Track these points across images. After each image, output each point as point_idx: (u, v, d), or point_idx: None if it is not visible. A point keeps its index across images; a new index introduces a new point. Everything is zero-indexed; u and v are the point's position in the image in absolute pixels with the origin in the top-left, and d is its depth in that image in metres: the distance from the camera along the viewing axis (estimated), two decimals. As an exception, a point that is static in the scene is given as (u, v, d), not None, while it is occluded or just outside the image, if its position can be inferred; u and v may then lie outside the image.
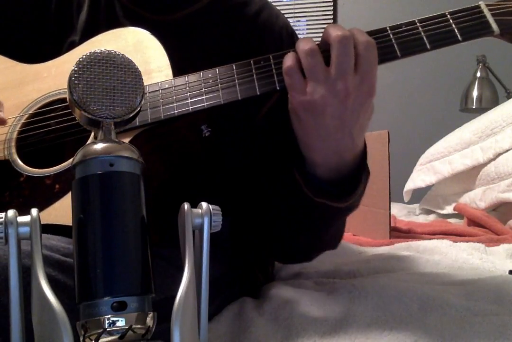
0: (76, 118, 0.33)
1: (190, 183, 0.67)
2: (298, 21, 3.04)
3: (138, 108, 0.33)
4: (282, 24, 0.75)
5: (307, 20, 3.03)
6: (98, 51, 0.32)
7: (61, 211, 0.55)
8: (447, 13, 0.58)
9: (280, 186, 0.64)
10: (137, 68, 0.33)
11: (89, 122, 0.33)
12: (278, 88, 0.56)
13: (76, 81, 0.32)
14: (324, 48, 0.53)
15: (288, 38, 0.75)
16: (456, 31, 0.57)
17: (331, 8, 2.98)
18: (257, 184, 0.69)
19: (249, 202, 0.74)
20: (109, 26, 0.67)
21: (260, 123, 0.70)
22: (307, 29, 3.03)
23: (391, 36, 0.57)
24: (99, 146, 0.31)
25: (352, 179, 0.59)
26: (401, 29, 0.57)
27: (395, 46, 0.56)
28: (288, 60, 0.54)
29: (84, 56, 0.32)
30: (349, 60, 0.51)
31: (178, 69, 0.61)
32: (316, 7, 3.00)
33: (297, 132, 0.58)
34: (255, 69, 0.57)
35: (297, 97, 0.54)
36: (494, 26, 0.57)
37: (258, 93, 0.56)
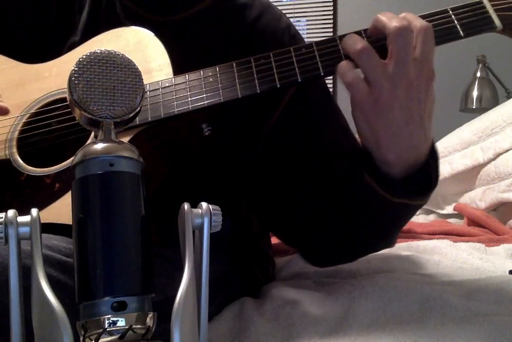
0: (76, 118, 0.33)
1: (190, 182, 0.67)
2: (298, 21, 3.04)
3: (138, 108, 0.33)
4: (284, 27, 0.75)
5: (307, 20, 3.03)
6: (98, 51, 0.32)
7: (61, 210, 0.55)
8: (449, 9, 0.57)
9: (347, 192, 0.62)
10: (137, 68, 0.33)
11: (89, 122, 0.33)
12: (278, 86, 0.56)
13: (76, 81, 0.32)
14: (375, 36, 0.53)
15: (290, 41, 0.74)
16: (458, 27, 0.56)
17: (331, 8, 2.98)
18: (300, 190, 0.67)
19: (249, 201, 0.74)
20: (110, 27, 0.67)
21: (270, 133, 0.69)
22: (307, 29, 3.03)
23: None
24: (99, 146, 0.31)
25: (426, 171, 0.57)
26: None
27: None
28: (347, 73, 0.52)
29: (84, 56, 0.32)
30: (409, 51, 0.51)
31: (179, 70, 0.61)
32: (316, 7, 3.00)
33: (365, 135, 0.56)
34: (255, 67, 0.57)
35: (363, 100, 0.52)
36: (496, 21, 0.56)
37: (259, 91, 0.56)
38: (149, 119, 0.56)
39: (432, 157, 0.58)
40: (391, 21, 0.52)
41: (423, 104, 0.54)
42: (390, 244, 0.69)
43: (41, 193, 0.58)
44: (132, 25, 0.67)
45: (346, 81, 0.53)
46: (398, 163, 0.56)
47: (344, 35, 0.56)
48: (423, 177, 0.57)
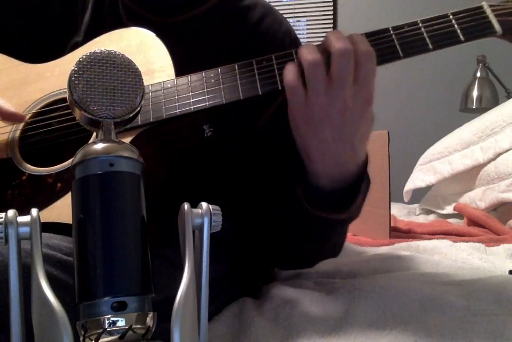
0: (76, 118, 0.33)
1: (191, 182, 0.67)
2: (298, 21, 3.04)
3: (138, 108, 0.33)
4: (285, 31, 0.75)
5: (307, 20, 3.03)
6: (98, 51, 0.32)
7: (63, 209, 0.55)
8: (449, 14, 0.58)
9: (281, 197, 0.64)
10: (137, 68, 0.33)
11: (89, 122, 0.33)
12: (280, 88, 0.56)
13: (76, 81, 0.32)
14: (323, 52, 0.53)
15: (291, 45, 0.74)
16: (459, 31, 0.57)
17: (331, 8, 2.97)
18: (259, 193, 0.70)
19: (249, 202, 0.74)
20: (113, 28, 0.67)
21: (260, 131, 0.70)
22: (307, 29, 3.03)
23: (393, 36, 0.57)
24: (99, 146, 0.31)
25: (352, 188, 0.59)
26: (403, 30, 0.57)
27: (397, 46, 0.56)
28: (289, 74, 0.53)
29: (84, 56, 0.32)
30: (349, 73, 0.51)
31: (181, 71, 0.61)
32: (316, 7, 3.00)
33: (298, 143, 0.57)
34: (257, 69, 0.57)
35: (297, 109, 0.53)
36: (497, 26, 0.57)
37: (260, 93, 0.56)
38: (151, 120, 0.56)
39: (363, 178, 0.60)
40: (336, 41, 0.51)
41: (355, 126, 0.54)
42: (328, 254, 0.72)
43: (42, 193, 0.58)
44: (134, 26, 0.67)
45: (285, 81, 0.53)
46: (326, 175, 0.58)
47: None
48: (348, 193, 0.59)
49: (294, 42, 0.75)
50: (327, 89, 0.51)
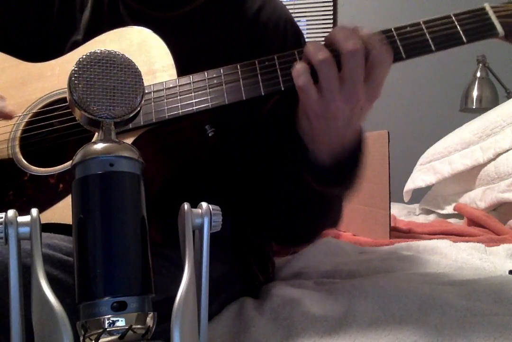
0: (76, 118, 0.33)
1: (192, 182, 0.67)
2: (298, 21, 3.04)
3: (138, 108, 0.33)
4: (286, 18, 0.75)
5: (307, 20, 3.03)
6: (98, 51, 0.32)
7: (65, 210, 0.55)
8: (452, 15, 0.57)
9: (281, 173, 0.65)
10: (137, 68, 0.33)
11: (89, 122, 0.33)
12: (283, 88, 0.56)
13: (76, 81, 0.32)
14: (329, 48, 0.53)
15: (293, 32, 0.75)
16: (461, 32, 0.56)
17: (331, 8, 2.97)
18: (258, 170, 0.70)
19: (250, 201, 0.74)
20: (112, 25, 0.66)
21: (265, 116, 0.70)
22: (307, 29, 3.02)
23: (396, 37, 0.56)
24: (99, 146, 0.31)
25: (349, 163, 0.61)
26: (405, 30, 0.57)
27: (400, 47, 0.56)
28: (301, 75, 0.53)
29: (84, 56, 0.32)
30: (360, 73, 0.52)
31: (182, 65, 0.61)
32: (316, 7, 3.00)
33: (303, 129, 0.59)
34: (259, 69, 0.57)
35: (311, 106, 0.54)
36: (499, 28, 0.57)
37: (263, 94, 0.56)
38: (154, 120, 0.56)
39: (360, 152, 0.62)
40: (345, 41, 0.52)
41: (362, 113, 0.56)
42: (331, 225, 0.75)
43: (44, 193, 0.58)
44: (134, 23, 0.67)
45: (298, 84, 0.53)
46: (327, 153, 0.60)
47: None
48: (345, 167, 0.61)
49: (295, 29, 0.76)
50: (341, 88, 0.52)
